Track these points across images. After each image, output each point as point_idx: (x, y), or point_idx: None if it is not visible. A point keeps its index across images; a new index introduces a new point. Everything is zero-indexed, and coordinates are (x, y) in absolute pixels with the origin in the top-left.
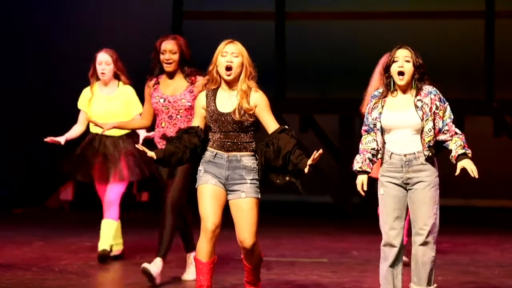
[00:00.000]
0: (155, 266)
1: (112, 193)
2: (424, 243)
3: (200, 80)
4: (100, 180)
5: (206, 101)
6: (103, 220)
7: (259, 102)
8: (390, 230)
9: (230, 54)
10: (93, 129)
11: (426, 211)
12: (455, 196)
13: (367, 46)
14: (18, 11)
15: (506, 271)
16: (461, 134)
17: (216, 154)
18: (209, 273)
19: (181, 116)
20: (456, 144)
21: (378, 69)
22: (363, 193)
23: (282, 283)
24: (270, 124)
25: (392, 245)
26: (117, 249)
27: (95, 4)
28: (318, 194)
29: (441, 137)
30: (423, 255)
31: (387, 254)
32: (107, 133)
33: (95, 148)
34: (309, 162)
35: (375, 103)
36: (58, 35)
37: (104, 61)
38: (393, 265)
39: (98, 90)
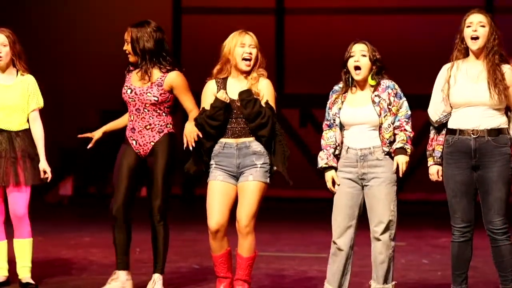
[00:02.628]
0: None
1: (18, 207)
2: (380, 241)
3: (173, 75)
4: None
5: (217, 88)
6: (13, 240)
7: (265, 90)
8: (338, 227)
9: (248, 46)
10: None
11: (382, 208)
12: None
13: (367, 41)
14: (11, 10)
15: None
16: (410, 132)
17: (224, 144)
18: (221, 265)
19: (148, 110)
20: (399, 138)
21: None
22: (334, 190)
23: (281, 278)
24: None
25: (339, 248)
26: (2, 274)
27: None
28: (317, 189)
29: (395, 132)
30: (380, 253)
31: (334, 258)
32: (1, 126)
33: None
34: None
35: (335, 98)
36: (55, 33)
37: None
38: (344, 273)
39: None
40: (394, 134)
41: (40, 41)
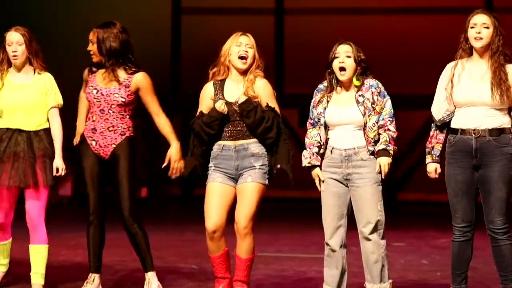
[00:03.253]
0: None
1: (33, 212)
2: (370, 241)
3: (140, 76)
4: (5, 184)
5: (215, 91)
6: (29, 245)
7: (262, 90)
8: (328, 228)
9: (244, 45)
10: (3, 123)
11: (369, 208)
12: None
13: (366, 41)
14: (18, 12)
15: None
16: (393, 132)
17: (223, 146)
18: (219, 266)
19: (113, 112)
20: (382, 139)
21: None
22: (320, 189)
23: (281, 278)
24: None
25: (332, 249)
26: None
27: (93, 0)
28: (317, 190)
29: (379, 131)
30: (372, 253)
31: (329, 260)
32: (19, 126)
33: (4, 145)
34: None
35: (320, 98)
36: (55, 33)
37: (15, 41)
38: (341, 273)
39: (10, 78)
40: (379, 134)
41: (40, 41)
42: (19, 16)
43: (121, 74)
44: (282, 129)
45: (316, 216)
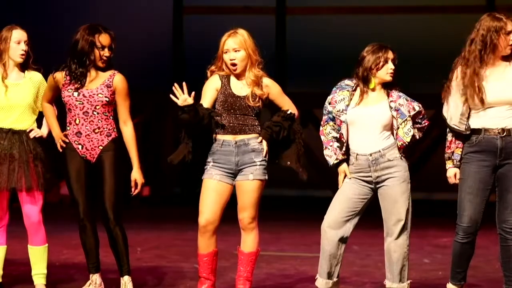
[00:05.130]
0: None
1: (32, 214)
2: (395, 239)
3: (120, 77)
4: (4, 187)
5: (221, 83)
6: (28, 246)
7: (271, 90)
8: (332, 216)
9: (231, 51)
10: None
11: (398, 207)
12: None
13: (368, 40)
14: (15, 16)
15: None
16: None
17: (223, 142)
18: (205, 265)
19: (98, 113)
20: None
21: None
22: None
23: (283, 277)
24: (288, 106)
25: (325, 230)
26: None
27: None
28: (318, 189)
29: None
30: (395, 252)
31: (324, 243)
32: (12, 126)
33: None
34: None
35: (341, 95)
36: (55, 33)
37: (23, 39)
38: (336, 262)
39: (4, 77)
40: (413, 135)
41: (40, 41)
42: (23, 18)
43: (101, 74)
44: (297, 129)
45: (318, 215)
